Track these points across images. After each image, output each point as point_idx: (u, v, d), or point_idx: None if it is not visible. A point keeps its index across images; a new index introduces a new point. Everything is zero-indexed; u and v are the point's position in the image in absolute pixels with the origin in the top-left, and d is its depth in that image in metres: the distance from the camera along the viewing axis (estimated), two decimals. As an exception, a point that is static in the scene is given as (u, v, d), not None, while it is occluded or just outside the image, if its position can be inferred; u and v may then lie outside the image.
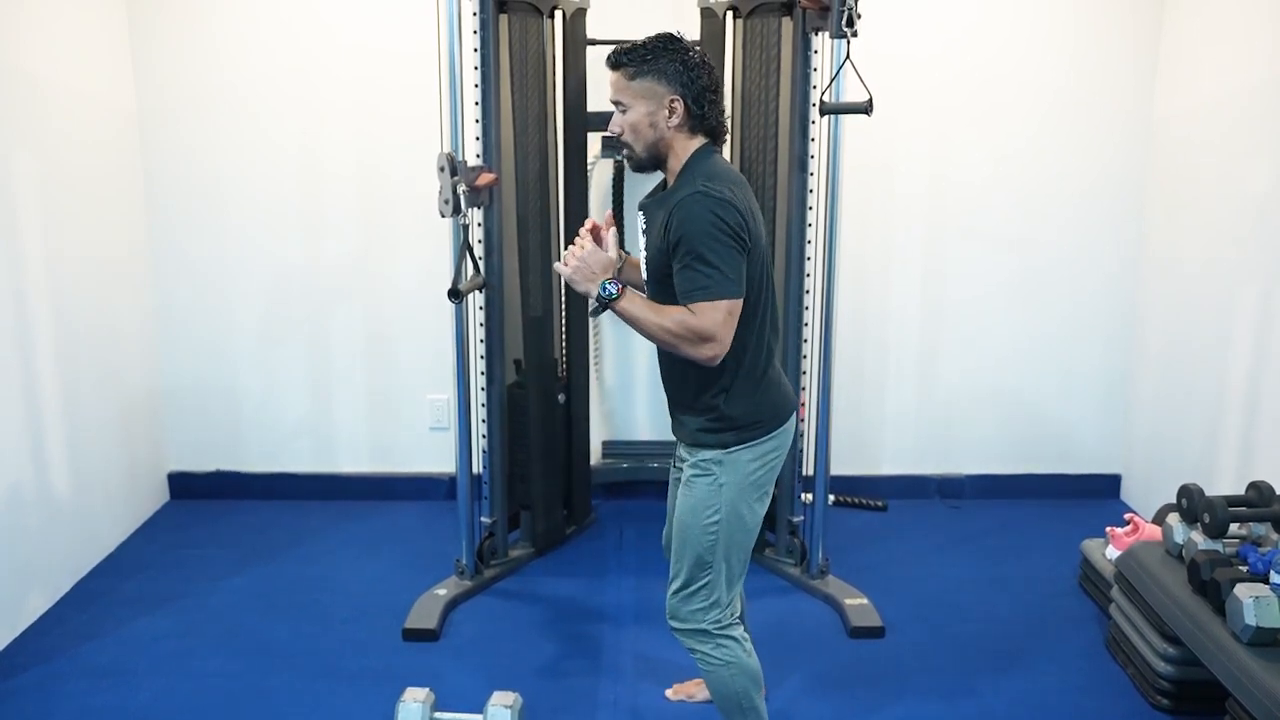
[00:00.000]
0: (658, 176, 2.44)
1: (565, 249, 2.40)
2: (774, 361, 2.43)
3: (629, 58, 2.30)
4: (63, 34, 3.61)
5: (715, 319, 2.17)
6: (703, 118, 2.31)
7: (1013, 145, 4.20)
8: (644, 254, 2.38)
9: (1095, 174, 4.22)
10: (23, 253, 3.38)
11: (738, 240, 2.19)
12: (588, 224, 2.40)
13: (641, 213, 2.41)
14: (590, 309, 2.32)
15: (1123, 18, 4.10)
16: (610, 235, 2.37)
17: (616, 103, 2.34)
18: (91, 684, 3.05)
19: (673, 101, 2.28)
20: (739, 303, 2.21)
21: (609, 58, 2.33)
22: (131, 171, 4.10)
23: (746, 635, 2.49)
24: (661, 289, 2.31)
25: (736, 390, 2.35)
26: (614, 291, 2.25)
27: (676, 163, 2.33)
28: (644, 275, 2.40)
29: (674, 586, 2.43)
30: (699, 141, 2.34)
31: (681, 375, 2.40)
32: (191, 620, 3.43)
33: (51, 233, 3.53)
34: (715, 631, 2.40)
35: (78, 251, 3.70)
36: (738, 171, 2.34)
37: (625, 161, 2.39)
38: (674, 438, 2.53)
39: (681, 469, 2.53)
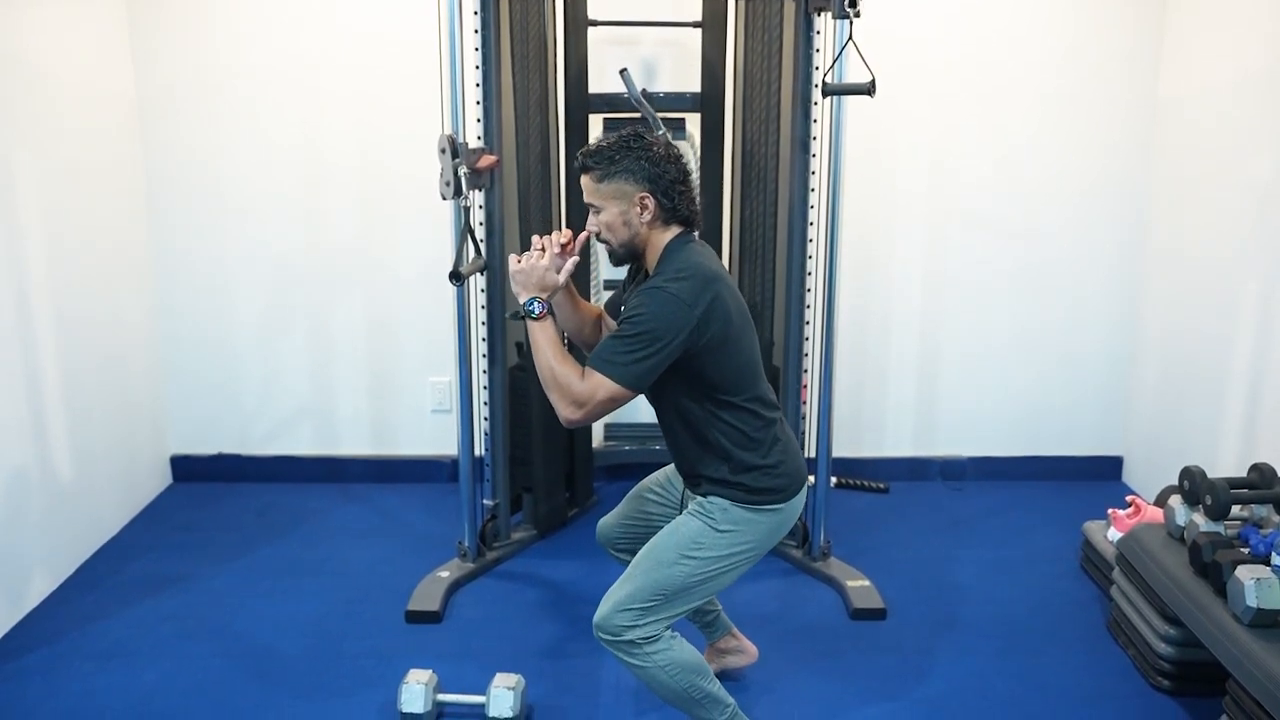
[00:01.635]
0: None
1: (535, 239, 2.45)
2: (779, 431, 2.47)
3: (595, 161, 2.34)
4: (62, 24, 3.61)
5: (595, 394, 2.25)
6: (674, 209, 2.36)
7: (1016, 131, 4.19)
8: None
9: (1099, 158, 4.21)
10: (24, 242, 3.38)
11: (668, 342, 2.23)
12: (564, 235, 2.44)
13: (623, 307, 2.42)
14: (509, 312, 2.35)
15: (1126, 1, 4.08)
16: (569, 263, 2.43)
17: (589, 205, 2.38)
18: (96, 665, 3.07)
19: (643, 198, 2.33)
20: (625, 394, 2.26)
21: (577, 161, 2.38)
22: (132, 160, 4.10)
23: (676, 633, 2.46)
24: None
25: (738, 462, 2.41)
26: (535, 311, 2.35)
27: (653, 254, 2.39)
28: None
29: (616, 597, 2.40)
30: (674, 232, 2.39)
31: (681, 448, 2.49)
32: (195, 602, 3.45)
33: (53, 221, 3.53)
34: (641, 641, 2.38)
35: (79, 239, 3.70)
36: (711, 263, 2.39)
37: (608, 255, 2.47)
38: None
39: (664, 493, 2.65)
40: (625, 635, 2.37)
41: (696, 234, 2.46)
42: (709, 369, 2.33)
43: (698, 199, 2.43)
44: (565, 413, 2.28)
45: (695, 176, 3.99)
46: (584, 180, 2.37)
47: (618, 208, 2.34)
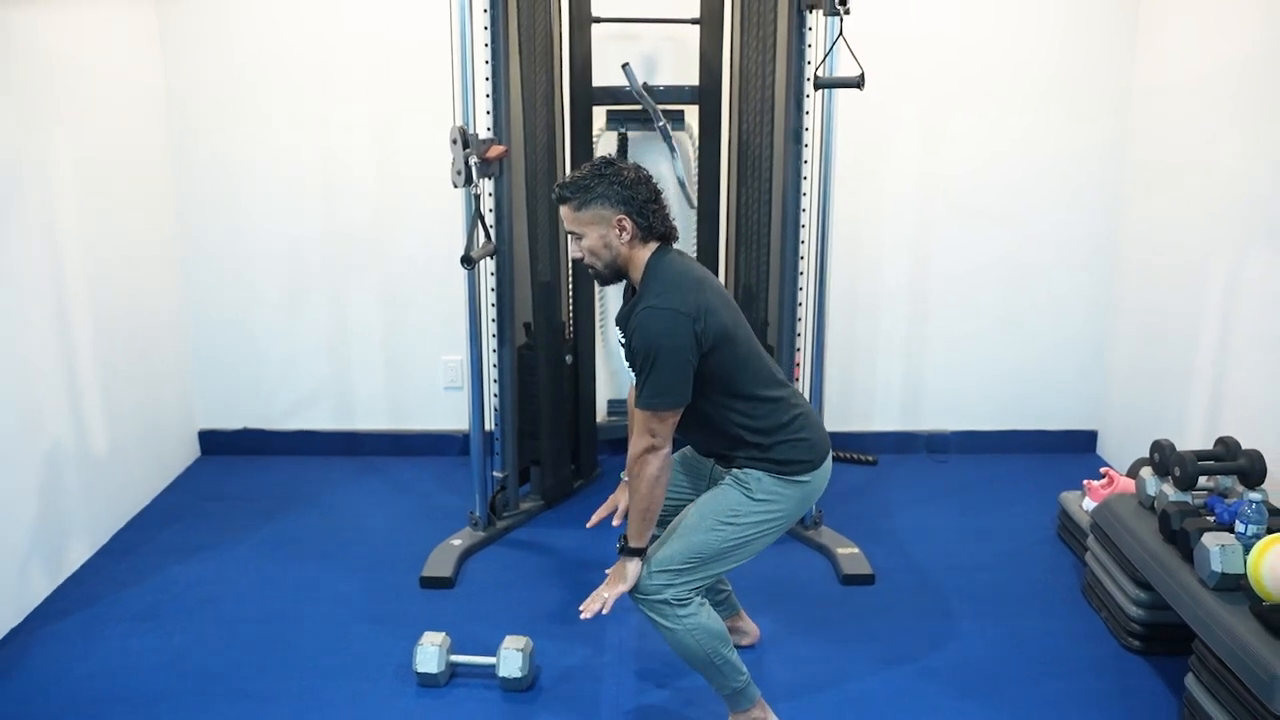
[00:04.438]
0: None
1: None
2: (795, 406, 2.56)
3: (571, 191, 2.45)
4: (96, 21, 3.69)
5: (655, 428, 2.39)
6: (650, 227, 2.46)
7: (999, 122, 4.25)
8: (627, 363, 2.53)
9: (1077, 147, 4.28)
10: (60, 228, 3.46)
11: (681, 350, 2.36)
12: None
13: (618, 326, 2.54)
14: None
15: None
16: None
17: (570, 233, 2.49)
18: (131, 627, 3.18)
19: (620, 220, 2.43)
20: (675, 412, 2.41)
21: (554, 193, 2.49)
22: (161, 148, 4.17)
23: (705, 600, 2.55)
24: None
25: (762, 443, 2.51)
26: (620, 545, 2.50)
27: (636, 272, 2.49)
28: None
29: (653, 560, 2.48)
30: (652, 247, 2.50)
31: (705, 444, 2.61)
32: (222, 568, 3.55)
33: (87, 207, 3.61)
34: (674, 601, 2.46)
35: (112, 225, 3.77)
36: (693, 270, 2.51)
37: (594, 278, 2.59)
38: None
39: (693, 470, 2.72)
40: (660, 595, 2.45)
41: (674, 245, 2.56)
42: (715, 368, 2.43)
43: (670, 214, 2.53)
44: (652, 459, 2.41)
45: (694, 166, 4.09)
46: (563, 211, 2.47)
47: (597, 232, 2.44)
